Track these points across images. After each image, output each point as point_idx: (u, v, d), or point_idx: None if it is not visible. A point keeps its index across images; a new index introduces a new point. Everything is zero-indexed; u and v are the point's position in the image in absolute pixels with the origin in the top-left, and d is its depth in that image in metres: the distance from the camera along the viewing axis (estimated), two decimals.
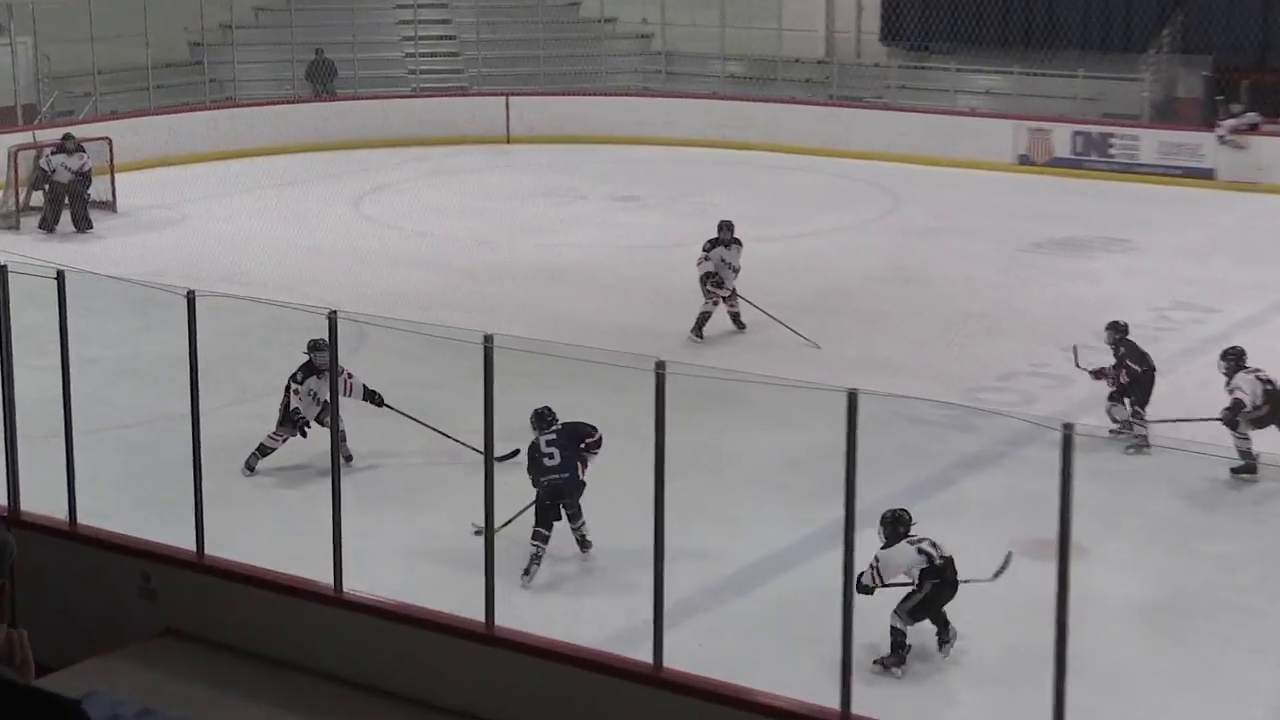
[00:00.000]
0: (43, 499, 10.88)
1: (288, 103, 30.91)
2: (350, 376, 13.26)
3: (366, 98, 31.33)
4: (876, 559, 10.11)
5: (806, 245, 21.98)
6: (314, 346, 13.24)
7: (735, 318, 17.74)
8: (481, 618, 9.36)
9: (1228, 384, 13.51)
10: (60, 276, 10.47)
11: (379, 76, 32.35)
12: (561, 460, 11.63)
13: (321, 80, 31.69)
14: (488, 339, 9.24)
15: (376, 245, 22.22)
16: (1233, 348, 13.90)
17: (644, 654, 8.94)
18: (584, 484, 11.69)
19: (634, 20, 33.56)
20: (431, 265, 21.06)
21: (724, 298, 17.60)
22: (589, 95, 31.76)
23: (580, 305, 18.85)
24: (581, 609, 11.10)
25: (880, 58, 31.26)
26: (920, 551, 10.19)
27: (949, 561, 10.23)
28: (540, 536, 11.52)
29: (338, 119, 30.52)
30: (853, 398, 8.24)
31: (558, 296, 19.34)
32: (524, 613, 9.99)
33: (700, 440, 13.44)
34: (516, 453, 12.42)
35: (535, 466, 11.64)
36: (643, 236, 22.70)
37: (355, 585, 9.83)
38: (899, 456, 13.07)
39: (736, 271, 17.61)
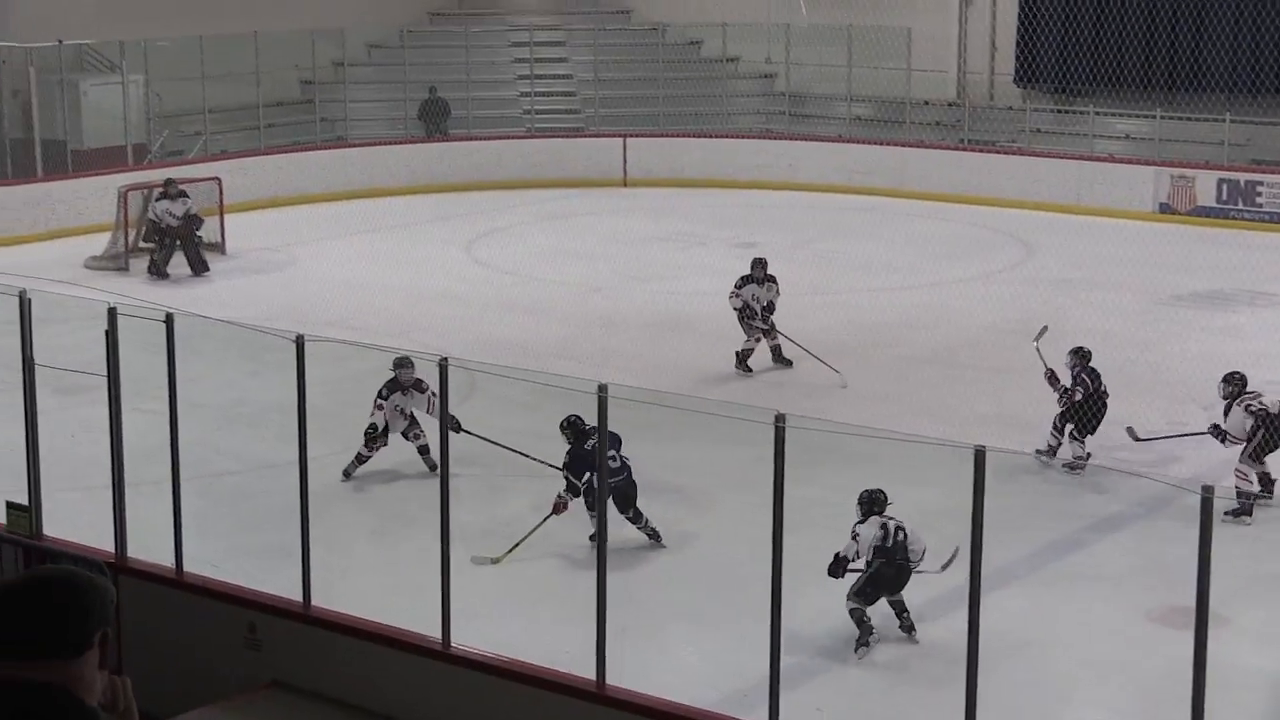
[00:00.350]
0: (149, 546, 11.14)
1: (400, 143, 31.45)
2: (434, 395, 13.91)
3: (480, 138, 31.77)
4: (855, 534, 11.15)
5: (934, 295, 21.95)
6: (399, 364, 14.46)
7: (776, 352, 18.50)
8: (593, 674, 9.45)
9: (1226, 409, 14.16)
10: (169, 320, 10.73)
11: (493, 116, 32.80)
12: (621, 463, 12.52)
13: (435, 120, 32.17)
14: (602, 389, 9.34)
15: (489, 290, 22.49)
16: (1234, 374, 14.38)
17: (760, 715, 8.99)
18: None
19: (757, 60, 33.74)
20: (544, 312, 21.28)
21: (764, 331, 18.38)
22: (709, 137, 31.97)
23: (698, 355, 18.96)
24: (694, 666, 11.17)
25: (1014, 100, 31.16)
26: (882, 527, 11.20)
27: (900, 545, 11.17)
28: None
29: (451, 160, 31.01)
30: (980, 455, 8.26)
31: (674, 345, 19.45)
32: (636, 669, 10.07)
33: (820, 496, 13.47)
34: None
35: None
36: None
37: (464, 638, 9.97)
38: (1028, 516, 13.03)
39: (769, 309, 18.46)
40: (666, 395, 14.06)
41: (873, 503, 11.44)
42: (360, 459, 14.72)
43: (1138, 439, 14.87)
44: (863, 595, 11.20)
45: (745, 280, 18.61)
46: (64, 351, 11.95)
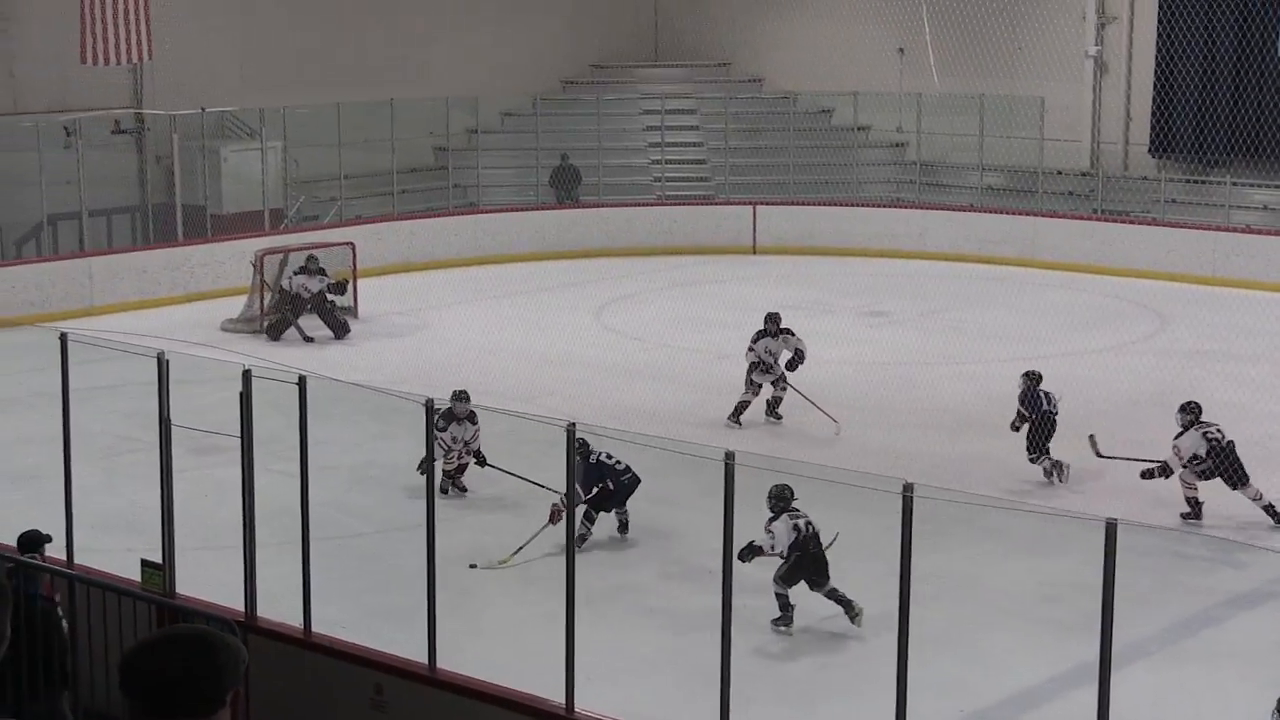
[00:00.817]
0: (278, 606, 11.27)
1: (531, 209, 31.76)
2: (477, 429, 15.96)
3: (611, 205, 31.99)
4: (770, 530, 12.46)
5: (1066, 366, 21.69)
6: (456, 396, 15.93)
7: (772, 405, 19.39)
8: None
9: (1176, 437, 15.43)
10: (301, 382, 10.88)
11: (624, 184, 33.03)
12: (626, 465, 14.67)
13: (566, 187, 32.46)
14: (729, 456, 9.33)
15: (617, 357, 22.58)
16: (1191, 402, 15.70)
17: None
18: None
19: (888, 128, 33.72)
20: (672, 378, 21.32)
21: (773, 383, 19.30)
22: (839, 205, 31.95)
23: (825, 423, 18.89)
24: None
25: (1149, 170, 30.86)
26: (794, 525, 12.63)
27: (813, 537, 12.66)
28: (590, 519, 14.58)
29: (581, 226, 31.26)
30: (1112, 528, 8.15)
31: (801, 413, 19.39)
32: None
33: (948, 567, 13.36)
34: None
35: (609, 472, 14.57)
36: (893, 354, 22.67)
37: (588, 702, 9.97)
38: (1161, 592, 12.82)
39: (794, 361, 19.29)
40: (795, 463, 14.00)
41: (781, 499, 12.77)
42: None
43: (1099, 454, 16.16)
44: (785, 580, 12.79)
45: (760, 335, 19.49)
46: (199, 412, 12.15)
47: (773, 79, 35.70)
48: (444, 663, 10.54)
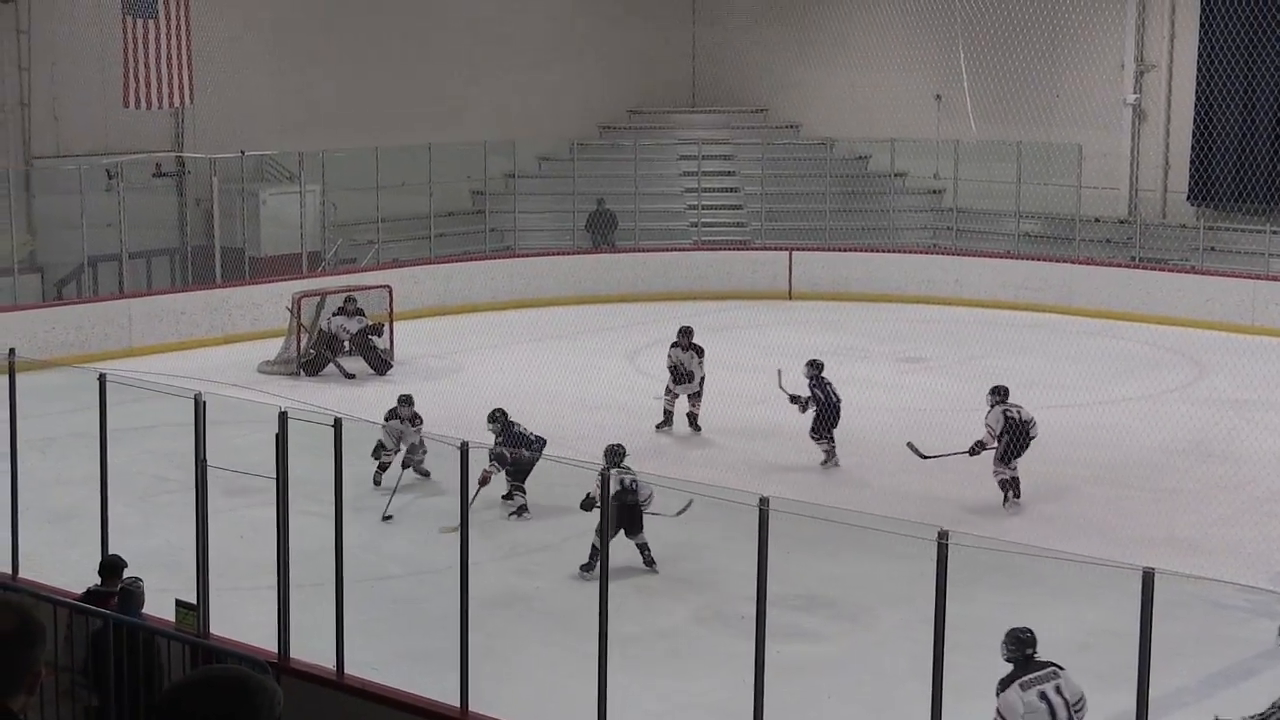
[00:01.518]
0: (311, 647, 11.29)
1: (567, 254, 31.86)
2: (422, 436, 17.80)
3: (647, 250, 32.07)
4: (598, 483, 12.99)
5: (1102, 414, 21.64)
6: (402, 400, 18.18)
7: (692, 418, 20.99)
8: None
9: (986, 417, 17.41)
10: (337, 424, 10.94)
11: (660, 229, 33.12)
12: (539, 438, 16.72)
13: (602, 231, 32.56)
14: (763, 501, 9.34)
15: (652, 402, 22.59)
16: (1000, 386, 17.78)
17: None
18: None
19: (925, 175, 33.74)
20: (707, 423, 21.31)
21: (689, 396, 20.92)
22: (876, 251, 31.97)
23: (861, 469, 18.87)
24: None
25: (1187, 218, 30.76)
26: (619, 479, 14.46)
27: (629, 489, 14.65)
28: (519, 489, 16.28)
29: (617, 271, 31.33)
30: (1149, 577, 8.12)
31: (839, 459, 19.36)
32: None
33: (982, 614, 13.29)
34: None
35: (524, 442, 16.54)
36: (929, 400, 22.63)
37: None
38: (1197, 643, 12.74)
39: (687, 377, 20.97)
40: (830, 509, 13.99)
41: (613, 454, 15.15)
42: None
43: (923, 456, 17.60)
44: (601, 531, 13.84)
45: (672, 344, 21.37)
46: (235, 453, 12.20)
47: (810, 125, 35.78)
48: (476, 705, 10.55)
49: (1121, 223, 31.37)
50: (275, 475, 11.03)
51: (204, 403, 11.44)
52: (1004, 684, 9.71)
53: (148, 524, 15.87)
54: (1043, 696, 9.67)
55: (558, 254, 31.88)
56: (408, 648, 13.01)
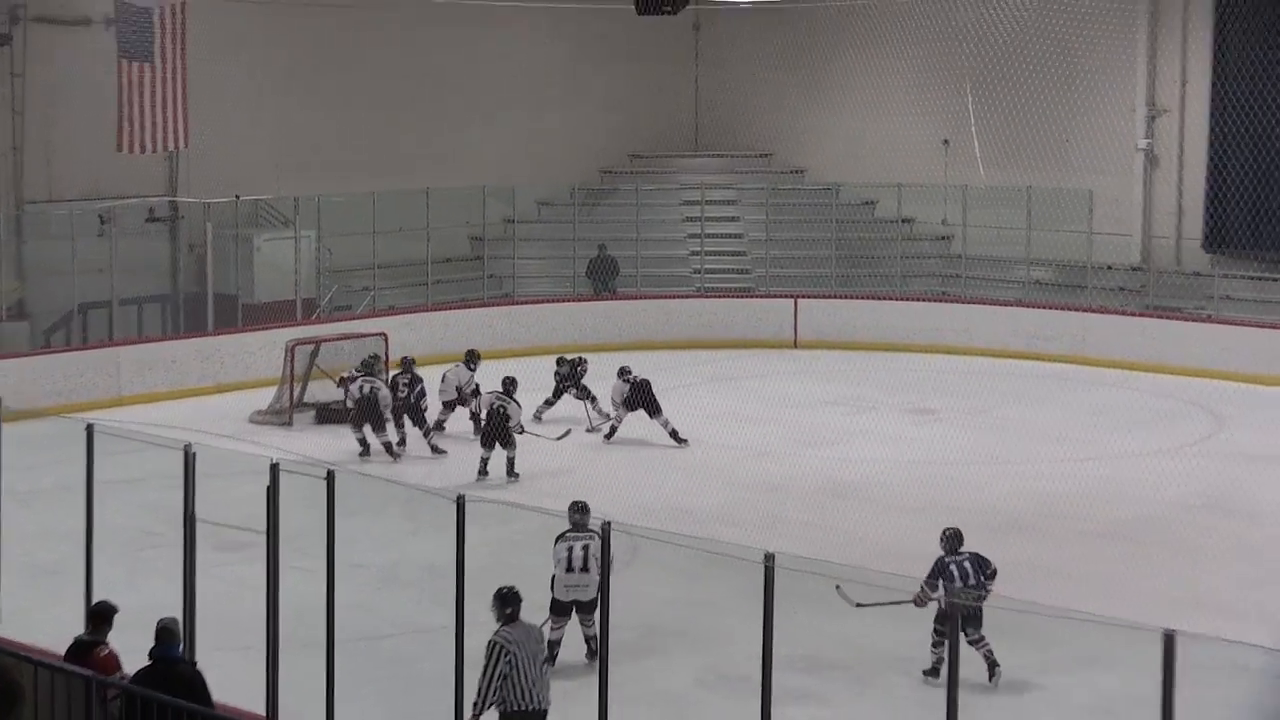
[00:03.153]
0: (302, 709, 11.13)
1: (568, 301, 31.78)
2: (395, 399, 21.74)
3: (649, 297, 32.01)
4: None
5: (1117, 468, 21.51)
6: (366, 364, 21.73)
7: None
8: None
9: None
10: (330, 477, 10.81)
11: (663, 275, 33.08)
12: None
13: (603, 278, 32.49)
14: (769, 557, 9.23)
15: (653, 452, 22.48)
16: (624, 365, 23.40)
17: None
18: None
19: (933, 221, 33.68)
20: (710, 476, 21.18)
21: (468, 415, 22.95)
22: (883, 299, 31.88)
23: (869, 525, 18.71)
24: None
25: (1202, 266, 30.69)
26: (490, 402, 19.62)
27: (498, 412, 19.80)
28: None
29: (618, 319, 31.23)
30: (1170, 640, 7.99)
31: (844, 514, 19.23)
32: None
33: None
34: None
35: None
36: (938, 452, 22.49)
37: None
38: (1222, 708, 12.56)
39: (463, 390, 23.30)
40: (835, 565, 13.83)
41: (510, 385, 20.54)
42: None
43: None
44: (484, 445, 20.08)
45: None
46: (225, 506, 12.06)
47: (815, 170, 35.78)
48: None
49: (1134, 269, 31.31)
50: (266, 530, 10.90)
51: (194, 454, 11.31)
52: None
53: (133, 580, 15.67)
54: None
55: (558, 301, 31.80)
56: (401, 709, 12.84)
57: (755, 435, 23.62)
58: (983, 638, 13.05)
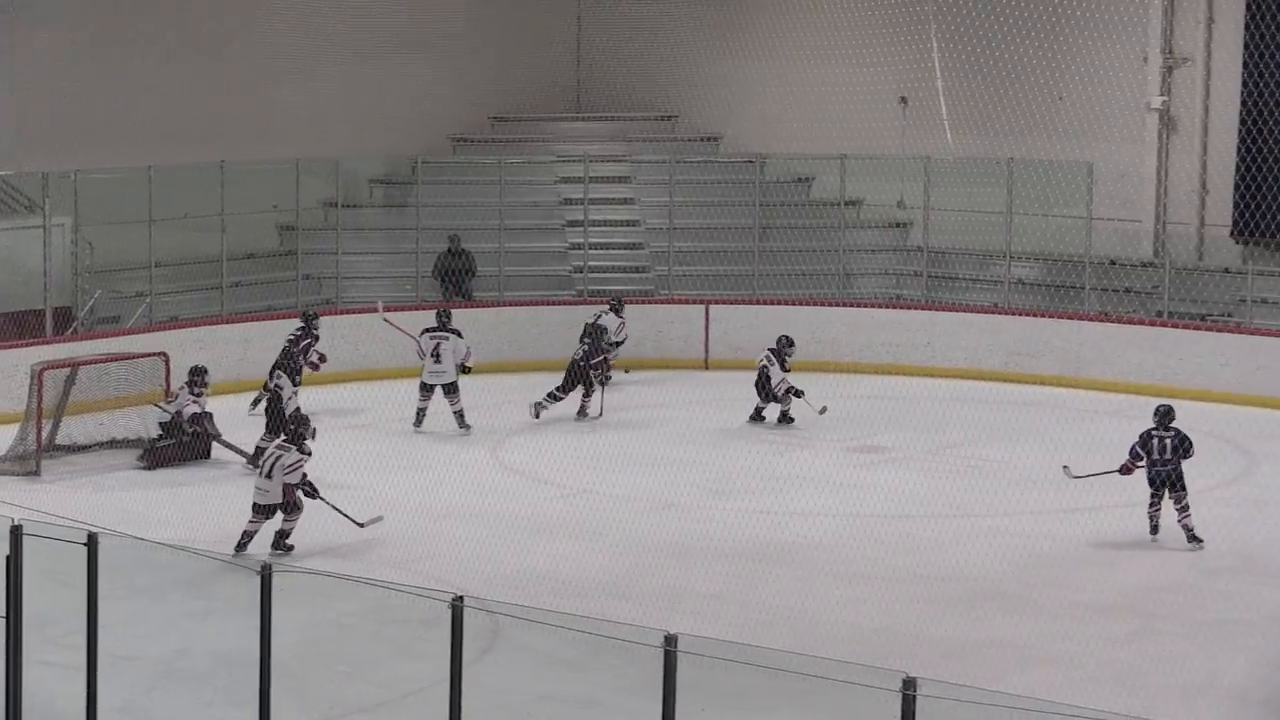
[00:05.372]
0: None
1: (409, 309, 31.72)
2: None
3: (515, 304, 32.14)
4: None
5: (1124, 521, 21.77)
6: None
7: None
8: None
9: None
10: (91, 541, 10.81)
11: (533, 275, 33.19)
12: None
13: (455, 279, 32.51)
14: (669, 640, 9.32)
15: (521, 506, 22.51)
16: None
17: None
18: None
19: (886, 203, 33.94)
20: (594, 535, 21.26)
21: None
22: (821, 305, 32.10)
23: (800, 598, 18.86)
24: None
25: (1232, 260, 31.06)
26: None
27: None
28: None
29: (474, 331, 31.19)
30: None
31: (769, 584, 19.37)
32: None
33: None
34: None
35: None
36: (891, 504, 22.70)
37: None
38: None
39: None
40: (762, 651, 13.95)
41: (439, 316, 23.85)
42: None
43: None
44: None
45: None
46: None
47: (733, 137, 36.01)
48: None
49: (1146, 266, 31.58)
50: (5, 613, 10.89)
51: None
52: None
53: None
54: None
55: (397, 309, 31.76)
56: None
57: (654, 483, 23.72)
58: (1187, 506, 20.43)
